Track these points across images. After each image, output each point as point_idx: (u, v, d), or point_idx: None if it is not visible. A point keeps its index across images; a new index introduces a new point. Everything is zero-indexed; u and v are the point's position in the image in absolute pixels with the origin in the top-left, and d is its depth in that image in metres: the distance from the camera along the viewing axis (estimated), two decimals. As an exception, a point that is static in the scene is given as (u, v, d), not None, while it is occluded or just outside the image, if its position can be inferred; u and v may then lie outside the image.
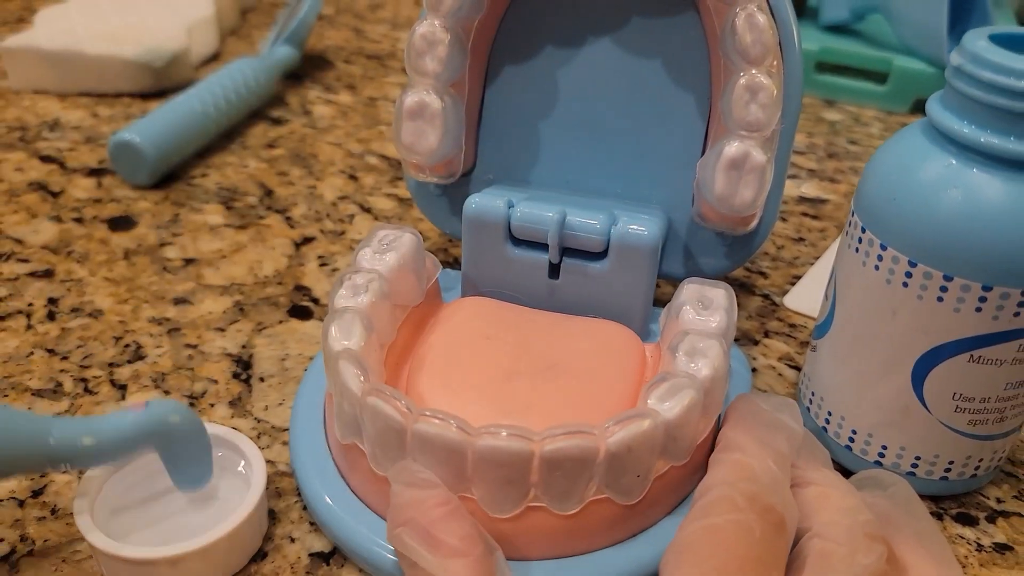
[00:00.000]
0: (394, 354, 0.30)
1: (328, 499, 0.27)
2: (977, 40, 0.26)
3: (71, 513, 0.28)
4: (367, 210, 0.45)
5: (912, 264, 0.27)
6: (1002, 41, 0.26)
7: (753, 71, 0.30)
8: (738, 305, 0.35)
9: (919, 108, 0.62)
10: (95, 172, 0.47)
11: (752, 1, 0.30)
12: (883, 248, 0.27)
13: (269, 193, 0.46)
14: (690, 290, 0.30)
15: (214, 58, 0.62)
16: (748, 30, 0.30)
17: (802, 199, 0.49)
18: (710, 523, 0.22)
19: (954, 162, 0.26)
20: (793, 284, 0.42)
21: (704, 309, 0.29)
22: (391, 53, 0.65)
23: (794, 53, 0.32)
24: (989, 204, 0.26)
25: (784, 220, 0.47)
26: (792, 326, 0.39)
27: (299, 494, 0.29)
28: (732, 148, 0.31)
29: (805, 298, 0.40)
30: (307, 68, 0.61)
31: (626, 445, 0.24)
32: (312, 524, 0.28)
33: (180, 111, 0.47)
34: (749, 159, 0.31)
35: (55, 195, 0.45)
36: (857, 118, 0.60)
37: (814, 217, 0.47)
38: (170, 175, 0.47)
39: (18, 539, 0.27)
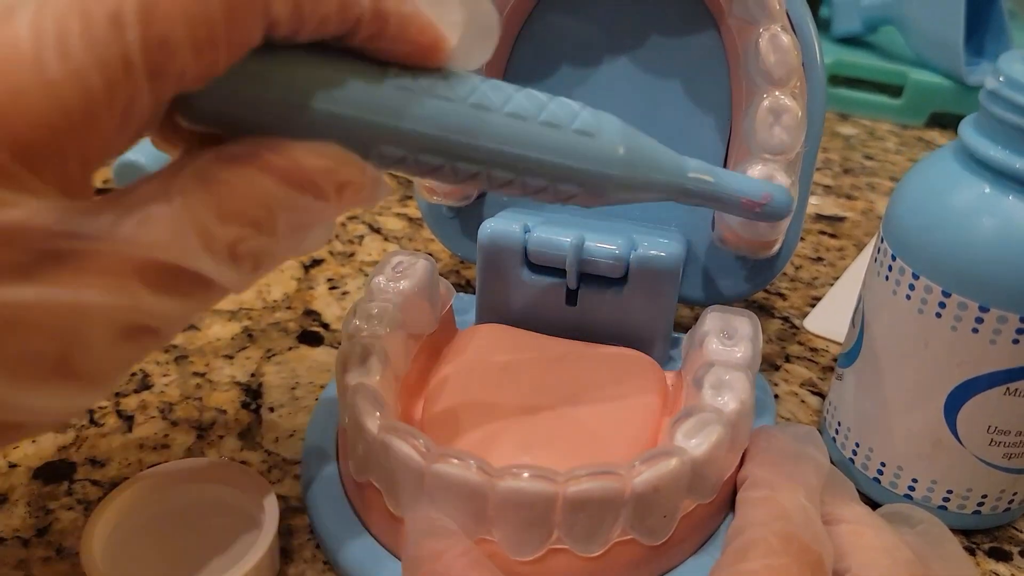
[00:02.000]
0: (408, 385, 0.29)
1: (342, 539, 0.26)
2: (1013, 63, 0.25)
3: (76, 553, 0.27)
4: (376, 230, 0.45)
5: (946, 294, 0.26)
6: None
7: (777, 93, 0.30)
8: (759, 330, 0.34)
9: (935, 122, 0.61)
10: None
11: (776, 21, 0.29)
12: (915, 277, 0.27)
13: (277, 213, 0.45)
14: (713, 319, 0.29)
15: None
16: (772, 51, 0.29)
17: (819, 217, 0.48)
18: (746, 569, 0.21)
19: (989, 189, 0.25)
20: (813, 306, 0.41)
21: (728, 339, 0.28)
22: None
23: (817, 74, 0.31)
24: (1026, 232, 0.25)
25: (802, 239, 0.46)
26: (813, 350, 0.38)
27: (312, 532, 0.28)
28: (755, 172, 0.30)
29: (826, 321, 0.40)
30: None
31: (653, 485, 0.23)
32: (326, 563, 0.27)
33: (186, 130, 0.46)
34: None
35: (60, 217, 0.44)
36: (872, 132, 0.60)
37: (832, 235, 0.47)
38: (176, 195, 0.46)
39: (22, 580, 0.26)
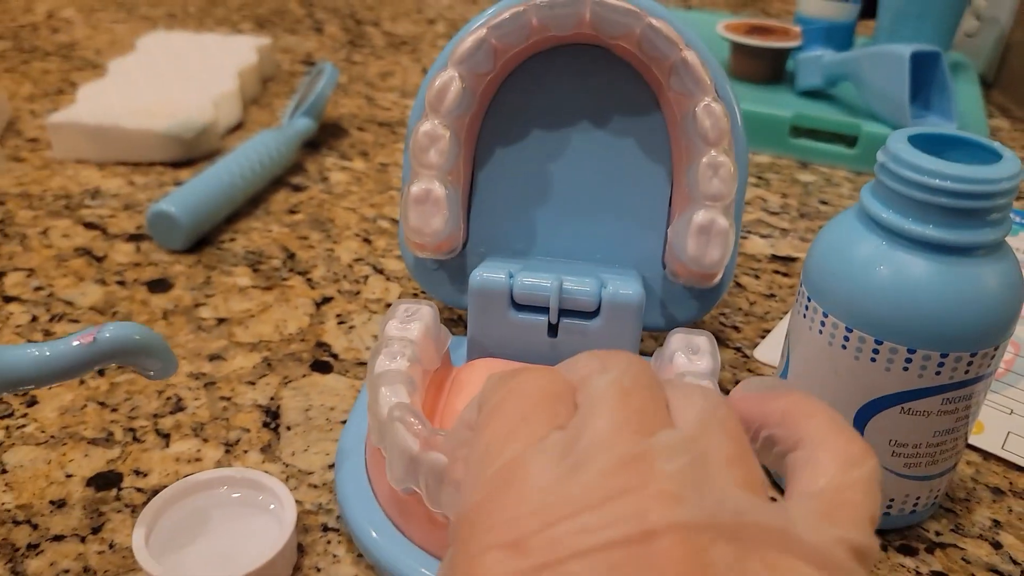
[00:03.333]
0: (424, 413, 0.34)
1: (380, 539, 0.31)
2: (898, 141, 0.31)
3: (127, 547, 0.32)
4: (380, 271, 0.50)
5: (849, 330, 0.31)
6: (924, 140, 0.31)
7: (712, 152, 0.36)
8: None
9: (887, 169, 0.67)
10: (134, 237, 0.52)
11: (707, 94, 0.36)
12: (825, 315, 0.32)
13: (291, 256, 0.51)
14: (678, 339, 0.34)
15: (239, 127, 0.67)
16: (707, 117, 0.36)
17: (774, 257, 0.54)
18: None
19: (883, 244, 0.31)
20: (763, 337, 0.46)
21: (693, 354, 0.34)
22: (400, 120, 0.70)
23: (739, 134, 0.38)
24: (912, 280, 0.30)
25: (757, 278, 0.52)
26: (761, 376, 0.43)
27: (324, 529, 0.33)
28: (700, 216, 0.36)
29: (773, 350, 0.45)
30: (324, 136, 0.66)
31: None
32: (335, 556, 0.32)
33: (210, 182, 0.52)
34: (715, 225, 0.36)
35: (99, 259, 0.49)
36: (829, 179, 0.65)
37: (785, 275, 0.52)
38: (202, 240, 0.52)
39: (82, 570, 0.31)
